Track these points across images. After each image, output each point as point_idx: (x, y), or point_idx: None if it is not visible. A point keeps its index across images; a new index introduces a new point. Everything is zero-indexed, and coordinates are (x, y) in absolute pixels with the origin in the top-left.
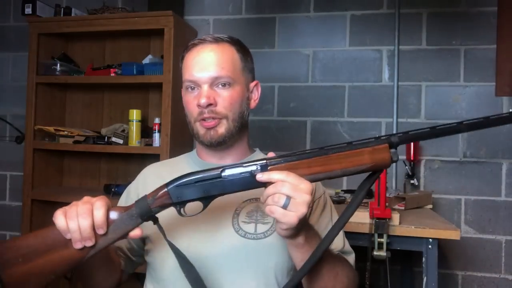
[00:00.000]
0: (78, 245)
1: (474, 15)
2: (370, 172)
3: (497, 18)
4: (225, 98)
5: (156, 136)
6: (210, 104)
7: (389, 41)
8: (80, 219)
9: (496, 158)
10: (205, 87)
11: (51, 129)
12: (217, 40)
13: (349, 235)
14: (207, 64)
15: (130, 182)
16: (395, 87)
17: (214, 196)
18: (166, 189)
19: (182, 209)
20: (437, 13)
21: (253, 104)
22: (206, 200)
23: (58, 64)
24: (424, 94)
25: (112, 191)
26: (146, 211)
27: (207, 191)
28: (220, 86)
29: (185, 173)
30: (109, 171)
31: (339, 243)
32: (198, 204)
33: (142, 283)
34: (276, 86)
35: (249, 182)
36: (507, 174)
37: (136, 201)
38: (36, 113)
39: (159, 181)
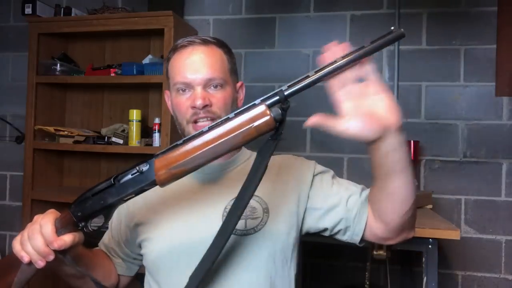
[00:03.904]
0: (40, 264)
1: (474, 15)
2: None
3: (497, 18)
4: (219, 99)
5: (156, 136)
6: (206, 105)
7: None
8: (31, 242)
9: (496, 158)
10: (199, 89)
11: (51, 129)
12: (205, 42)
13: None
14: (200, 66)
15: None
16: (395, 87)
17: (112, 205)
18: (68, 210)
19: (88, 226)
20: (437, 13)
21: (239, 104)
22: (107, 211)
23: (58, 64)
24: (424, 94)
25: None
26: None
27: (104, 201)
28: (212, 87)
29: None
30: (109, 171)
31: (354, 189)
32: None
33: (142, 283)
34: (276, 86)
35: (141, 180)
36: (507, 174)
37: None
38: (36, 113)
39: None
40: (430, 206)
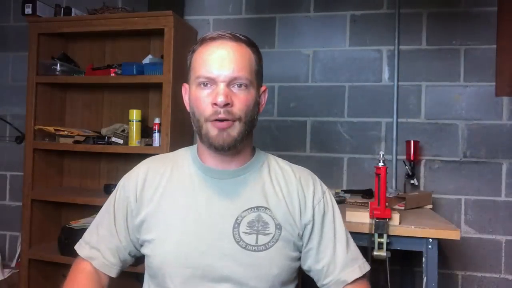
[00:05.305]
0: None
1: (474, 15)
2: None
3: (497, 18)
4: (241, 100)
5: (156, 136)
6: (227, 104)
7: (389, 41)
8: None
9: (496, 158)
10: (222, 86)
11: (51, 129)
12: (235, 38)
13: None
14: (226, 62)
15: None
16: (395, 87)
17: None
18: None
19: None
20: (437, 13)
21: (261, 109)
22: None
23: (58, 64)
24: (424, 94)
25: (112, 191)
26: None
27: None
28: (236, 86)
29: (186, 174)
30: (109, 171)
31: (340, 253)
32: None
33: (142, 283)
34: (276, 86)
35: None
36: (507, 174)
37: None
38: (36, 113)
39: (159, 177)
40: (430, 206)
